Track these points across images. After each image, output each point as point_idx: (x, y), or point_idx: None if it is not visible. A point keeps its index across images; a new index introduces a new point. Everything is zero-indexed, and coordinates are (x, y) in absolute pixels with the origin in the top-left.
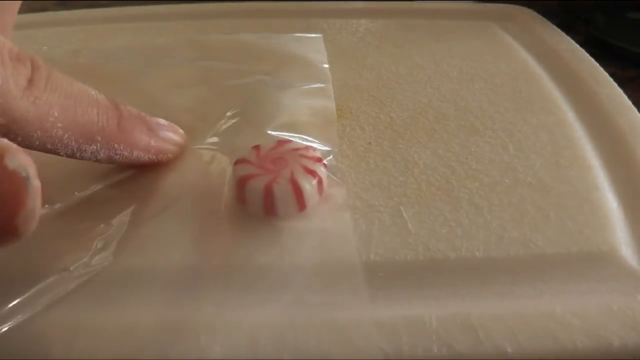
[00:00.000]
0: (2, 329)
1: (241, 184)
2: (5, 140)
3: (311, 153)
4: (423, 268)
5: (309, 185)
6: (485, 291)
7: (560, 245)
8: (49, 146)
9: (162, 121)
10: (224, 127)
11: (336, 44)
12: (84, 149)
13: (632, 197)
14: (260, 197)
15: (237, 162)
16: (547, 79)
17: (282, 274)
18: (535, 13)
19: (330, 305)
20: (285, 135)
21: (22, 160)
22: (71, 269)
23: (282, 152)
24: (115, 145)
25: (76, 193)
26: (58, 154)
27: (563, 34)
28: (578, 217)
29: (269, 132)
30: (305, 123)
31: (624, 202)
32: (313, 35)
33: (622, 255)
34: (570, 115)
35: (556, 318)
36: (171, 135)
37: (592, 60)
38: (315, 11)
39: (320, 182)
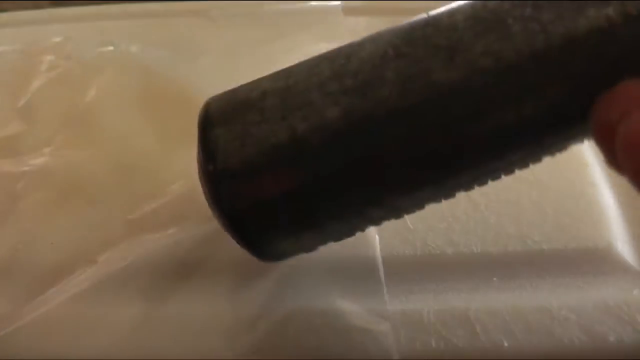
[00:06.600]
0: (11, 326)
1: None
2: None
3: None
4: (421, 263)
5: None
6: (482, 286)
7: (557, 241)
8: None
9: None
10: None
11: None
12: None
13: (628, 194)
14: None
15: None
16: None
17: (289, 268)
18: None
19: (330, 301)
20: None
21: None
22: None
23: None
24: None
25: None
26: None
27: None
28: (575, 214)
29: None
30: None
31: (620, 199)
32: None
33: (618, 251)
34: None
35: (552, 313)
36: None
37: None
38: (311, 9)
39: None
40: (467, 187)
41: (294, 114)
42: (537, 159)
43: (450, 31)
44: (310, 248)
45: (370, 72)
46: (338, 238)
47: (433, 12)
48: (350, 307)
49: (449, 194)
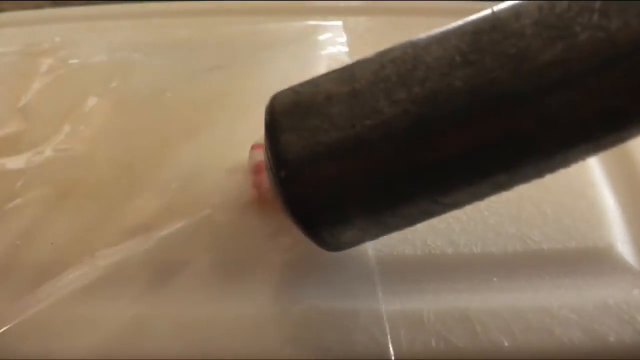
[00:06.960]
0: (9, 324)
1: (258, 169)
2: None
3: None
4: (421, 263)
5: None
6: (482, 286)
7: (557, 241)
8: None
9: None
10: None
11: None
12: None
13: (628, 194)
14: None
15: (254, 147)
16: None
17: (288, 268)
18: None
19: (330, 300)
20: None
21: None
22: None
23: None
24: None
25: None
26: None
27: None
28: (575, 214)
29: None
30: None
31: (621, 199)
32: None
33: (618, 251)
34: None
35: (553, 313)
36: None
37: None
38: (313, 9)
39: None
40: (524, 183)
41: (362, 122)
42: (591, 155)
43: (517, 37)
44: (375, 238)
45: (438, 81)
46: (401, 229)
47: (498, 10)
48: (349, 308)
49: (508, 189)
